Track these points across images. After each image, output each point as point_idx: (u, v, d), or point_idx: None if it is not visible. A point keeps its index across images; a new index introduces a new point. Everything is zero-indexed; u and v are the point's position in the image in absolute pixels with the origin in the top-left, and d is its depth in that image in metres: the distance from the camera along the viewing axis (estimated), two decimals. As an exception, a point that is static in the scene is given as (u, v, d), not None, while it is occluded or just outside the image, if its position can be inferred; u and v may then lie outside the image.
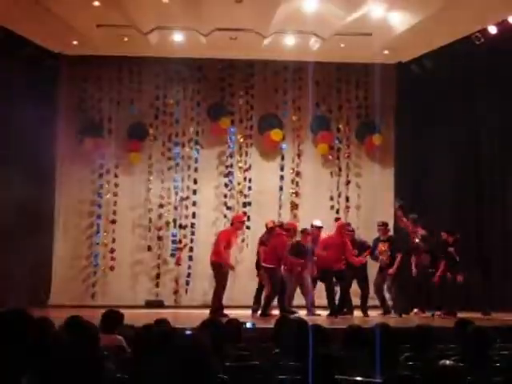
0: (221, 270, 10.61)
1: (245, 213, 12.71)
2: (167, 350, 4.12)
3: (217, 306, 10.48)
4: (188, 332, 5.66)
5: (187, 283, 12.95)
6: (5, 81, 11.38)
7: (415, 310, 11.26)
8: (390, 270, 11.20)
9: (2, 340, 4.41)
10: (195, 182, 13.16)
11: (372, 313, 11.27)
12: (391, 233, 11.84)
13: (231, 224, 11.29)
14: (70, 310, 9.93)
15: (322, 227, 11.35)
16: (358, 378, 4.01)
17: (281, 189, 13.29)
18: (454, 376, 3.64)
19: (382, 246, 11.29)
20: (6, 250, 11.40)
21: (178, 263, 12.88)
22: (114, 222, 12.99)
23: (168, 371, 3.84)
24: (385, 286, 11.35)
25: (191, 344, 3.93)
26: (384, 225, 11.50)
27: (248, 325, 8.62)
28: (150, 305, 12.52)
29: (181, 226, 13.05)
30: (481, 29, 10.92)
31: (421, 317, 11.00)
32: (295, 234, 11.28)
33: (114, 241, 12.95)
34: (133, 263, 12.99)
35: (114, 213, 13.00)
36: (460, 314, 10.34)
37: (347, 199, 13.37)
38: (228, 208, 13.11)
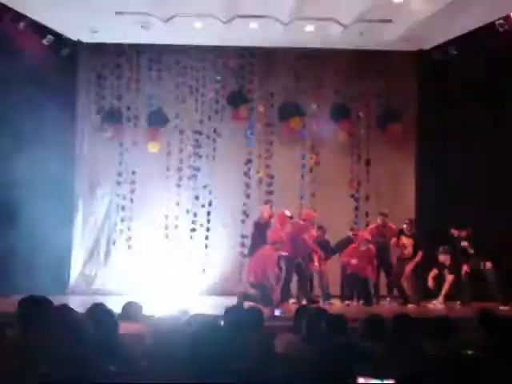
0: None
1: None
2: (184, 337, 4.11)
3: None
4: (206, 320, 5.66)
5: (204, 271, 12.95)
6: (24, 69, 11.40)
7: (433, 302, 11.27)
8: (410, 264, 11.34)
9: (23, 327, 4.43)
10: (214, 170, 13.13)
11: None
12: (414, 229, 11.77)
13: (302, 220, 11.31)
14: (89, 297, 9.99)
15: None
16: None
17: (302, 177, 13.24)
18: (475, 366, 3.59)
19: (406, 241, 11.36)
20: (26, 236, 11.46)
21: None
22: (131, 209, 13.00)
23: (186, 358, 3.84)
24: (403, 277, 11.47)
25: (209, 332, 3.92)
26: (411, 222, 11.65)
27: (277, 312, 8.66)
28: (169, 293, 12.53)
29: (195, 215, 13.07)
30: (505, 15, 10.77)
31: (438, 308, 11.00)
32: (312, 225, 11.32)
33: (130, 229, 12.99)
34: (149, 251, 12.95)
35: (132, 200, 13.02)
36: (476, 305, 10.32)
37: (367, 188, 13.29)
38: (247, 197, 13.09)
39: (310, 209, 12.31)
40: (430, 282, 11.35)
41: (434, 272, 11.38)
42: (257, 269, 10.31)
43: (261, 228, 11.05)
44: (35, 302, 4.61)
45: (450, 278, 11.22)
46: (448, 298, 11.26)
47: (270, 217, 11.28)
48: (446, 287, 11.23)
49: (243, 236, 12.88)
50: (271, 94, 13.26)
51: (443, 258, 11.29)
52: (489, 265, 10.99)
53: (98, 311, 4.78)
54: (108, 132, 12.89)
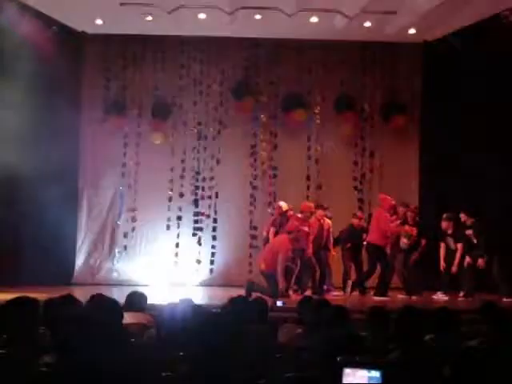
0: None
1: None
2: (190, 328, 4.13)
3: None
4: (212, 311, 5.70)
5: (212, 262, 12.99)
6: (29, 60, 11.39)
7: (438, 293, 11.25)
8: (414, 256, 11.28)
9: (21, 324, 4.45)
10: (219, 162, 13.15)
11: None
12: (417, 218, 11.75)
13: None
14: (93, 288, 10.03)
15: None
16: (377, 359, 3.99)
17: (307, 168, 13.24)
18: (478, 358, 3.61)
19: (410, 230, 11.31)
20: (31, 227, 11.50)
21: None
22: (135, 199, 13.03)
23: (190, 350, 3.86)
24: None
25: (213, 324, 3.95)
26: (415, 209, 11.57)
27: (278, 303, 8.71)
28: (174, 283, 12.56)
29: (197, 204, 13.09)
30: (509, 7, 10.75)
31: (442, 299, 11.00)
32: (311, 216, 11.34)
33: (134, 220, 13.01)
34: (154, 242, 13.00)
35: (136, 191, 13.05)
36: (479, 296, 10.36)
37: (371, 180, 13.29)
38: (253, 188, 13.10)
39: (309, 201, 12.29)
40: (442, 264, 11.26)
41: (443, 250, 11.28)
42: (268, 256, 10.34)
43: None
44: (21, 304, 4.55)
45: (459, 246, 11.14)
46: (451, 287, 11.23)
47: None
48: (458, 256, 11.12)
49: (251, 227, 12.93)
50: (276, 85, 13.26)
51: (446, 224, 11.23)
52: (481, 262, 10.93)
53: (102, 301, 4.81)
54: (112, 123, 12.89)
